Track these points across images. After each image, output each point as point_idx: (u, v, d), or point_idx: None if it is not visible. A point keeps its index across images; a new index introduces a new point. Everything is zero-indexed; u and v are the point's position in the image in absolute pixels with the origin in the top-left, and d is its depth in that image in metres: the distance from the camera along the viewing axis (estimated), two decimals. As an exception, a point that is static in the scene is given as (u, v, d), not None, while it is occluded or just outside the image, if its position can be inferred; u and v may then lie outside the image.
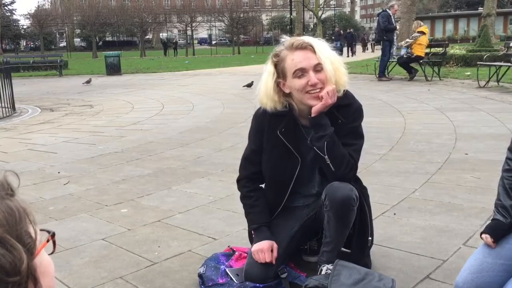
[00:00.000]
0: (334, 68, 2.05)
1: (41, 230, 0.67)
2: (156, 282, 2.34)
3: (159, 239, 2.87)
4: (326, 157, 2.04)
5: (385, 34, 11.69)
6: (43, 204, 3.57)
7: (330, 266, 2.05)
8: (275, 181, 2.23)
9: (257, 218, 2.24)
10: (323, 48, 2.05)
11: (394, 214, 3.10)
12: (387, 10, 11.94)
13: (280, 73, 2.09)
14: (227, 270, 2.24)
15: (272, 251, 2.14)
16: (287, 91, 2.10)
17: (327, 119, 2.07)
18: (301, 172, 2.18)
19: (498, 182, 1.88)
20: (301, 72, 2.03)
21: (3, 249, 0.56)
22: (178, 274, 2.42)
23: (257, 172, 2.26)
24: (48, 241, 0.68)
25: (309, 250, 2.47)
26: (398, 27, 11.79)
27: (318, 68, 2.03)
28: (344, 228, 2.07)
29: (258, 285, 2.11)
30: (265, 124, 2.21)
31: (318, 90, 2.03)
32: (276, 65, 2.10)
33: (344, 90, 2.12)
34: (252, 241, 2.32)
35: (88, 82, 14.71)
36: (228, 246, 2.51)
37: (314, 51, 2.03)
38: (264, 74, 2.14)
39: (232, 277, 2.19)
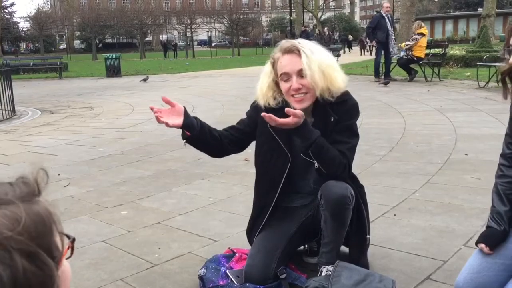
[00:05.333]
0: (324, 74, 2.03)
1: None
2: (157, 284, 2.34)
3: (160, 241, 2.87)
4: (314, 162, 2.04)
5: (376, 35, 11.67)
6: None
7: (330, 267, 2.05)
8: (265, 177, 2.24)
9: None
10: (311, 53, 2.04)
11: (395, 215, 3.10)
12: (381, 11, 11.90)
13: (275, 73, 2.15)
14: (227, 271, 2.24)
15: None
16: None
17: (308, 126, 2.01)
18: (294, 168, 2.18)
19: (492, 189, 1.89)
20: (286, 77, 2.07)
21: (33, 266, 0.51)
22: (178, 276, 2.42)
23: (230, 132, 2.25)
24: (68, 248, 0.65)
25: (309, 251, 2.47)
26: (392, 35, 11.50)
27: (302, 73, 2.04)
28: (341, 227, 2.07)
29: (258, 286, 2.11)
30: (258, 116, 2.22)
31: (301, 95, 2.06)
32: (273, 65, 2.16)
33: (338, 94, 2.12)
34: (250, 240, 2.33)
35: (145, 80, 14.96)
36: (229, 248, 2.51)
37: (300, 56, 2.04)
38: (262, 73, 2.21)
39: (233, 278, 2.19)
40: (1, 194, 0.55)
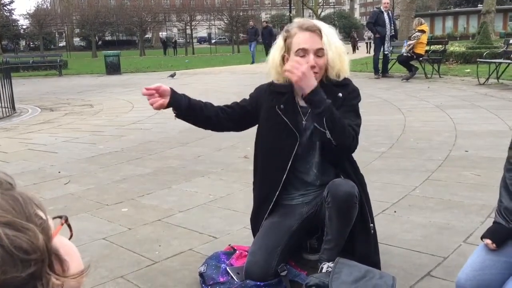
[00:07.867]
0: (339, 56, 2.11)
1: (54, 218, 0.70)
2: (157, 281, 2.35)
3: (160, 238, 2.87)
4: (326, 132, 2.02)
5: (376, 30, 11.71)
6: (43, 203, 3.56)
7: (331, 264, 2.05)
8: (273, 158, 2.23)
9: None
10: (330, 35, 2.11)
11: (395, 211, 3.11)
12: (381, 7, 11.96)
13: (286, 47, 2.17)
14: (227, 268, 2.24)
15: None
16: None
17: (321, 93, 2.02)
18: (299, 150, 2.19)
19: (500, 182, 1.83)
20: (302, 52, 2.10)
21: (15, 231, 0.57)
22: (179, 273, 2.42)
23: (227, 110, 2.28)
24: (62, 224, 0.71)
25: (310, 248, 2.47)
26: (387, 31, 11.53)
27: (319, 53, 2.09)
28: (346, 225, 2.08)
29: (258, 283, 2.11)
30: (263, 99, 2.25)
31: (313, 73, 2.08)
32: (285, 40, 2.17)
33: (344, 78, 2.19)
34: (255, 228, 2.34)
35: (173, 76, 15.07)
36: (229, 245, 2.51)
37: (321, 36, 2.09)
38: (273, 47, 2.23)
39: (233, 275, 2.20)
40: None
